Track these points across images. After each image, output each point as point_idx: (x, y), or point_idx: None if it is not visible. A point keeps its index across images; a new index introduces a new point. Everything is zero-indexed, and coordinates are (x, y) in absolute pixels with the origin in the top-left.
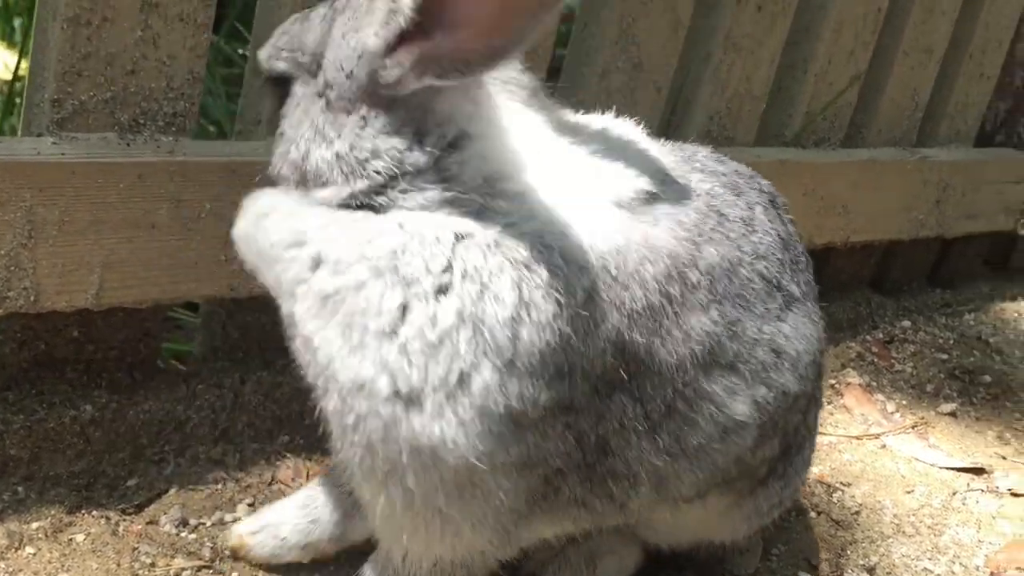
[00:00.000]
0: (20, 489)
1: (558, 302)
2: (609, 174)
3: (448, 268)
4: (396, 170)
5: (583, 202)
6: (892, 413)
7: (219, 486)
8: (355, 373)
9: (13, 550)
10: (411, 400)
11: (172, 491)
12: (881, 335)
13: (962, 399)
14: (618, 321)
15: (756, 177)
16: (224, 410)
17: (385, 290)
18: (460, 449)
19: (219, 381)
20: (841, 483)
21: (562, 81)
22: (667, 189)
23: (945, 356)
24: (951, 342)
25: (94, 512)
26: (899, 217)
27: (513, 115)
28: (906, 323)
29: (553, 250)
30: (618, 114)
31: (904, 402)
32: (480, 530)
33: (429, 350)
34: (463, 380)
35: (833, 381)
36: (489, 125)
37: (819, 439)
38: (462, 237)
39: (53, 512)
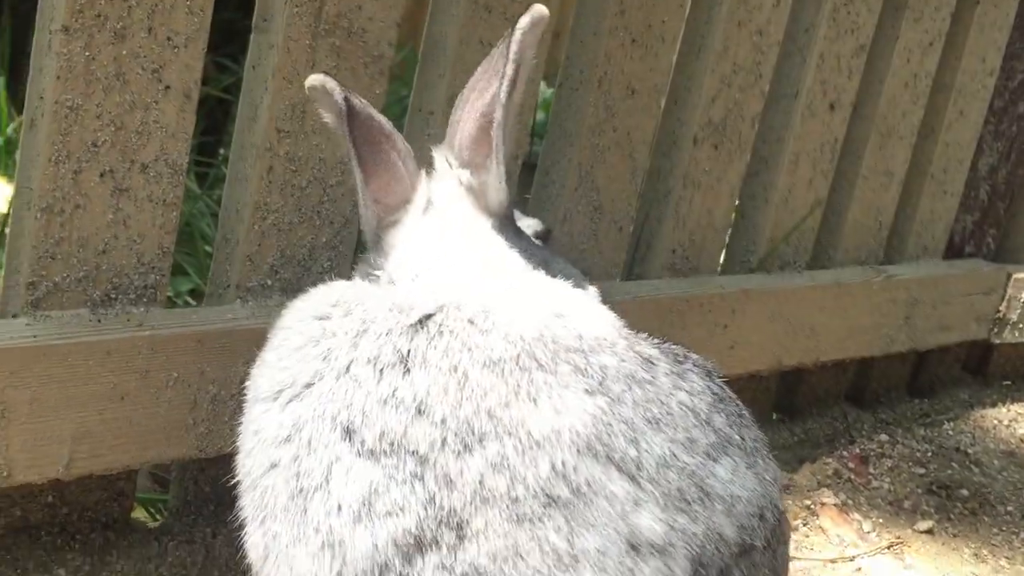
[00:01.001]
0: None
1: None
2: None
3: None
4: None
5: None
6: (868, 532)
7: None
8: None
9: None
10: None
11: None
12: (858, 450)
13: (940, 515)
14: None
15: (691, 355)
16: (195, 566)
17: None
18: None
19: (190, 536)
20: None
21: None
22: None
23: (923, 470)
24: (929, 455)
25: None
26: (868, 335)
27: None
28: (883, 436)
29: None
30: (581, 255)
31: (881, 520)
32: None
33: None
34: None
35: (808, 501)
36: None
37: (792, 565)
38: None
39: None
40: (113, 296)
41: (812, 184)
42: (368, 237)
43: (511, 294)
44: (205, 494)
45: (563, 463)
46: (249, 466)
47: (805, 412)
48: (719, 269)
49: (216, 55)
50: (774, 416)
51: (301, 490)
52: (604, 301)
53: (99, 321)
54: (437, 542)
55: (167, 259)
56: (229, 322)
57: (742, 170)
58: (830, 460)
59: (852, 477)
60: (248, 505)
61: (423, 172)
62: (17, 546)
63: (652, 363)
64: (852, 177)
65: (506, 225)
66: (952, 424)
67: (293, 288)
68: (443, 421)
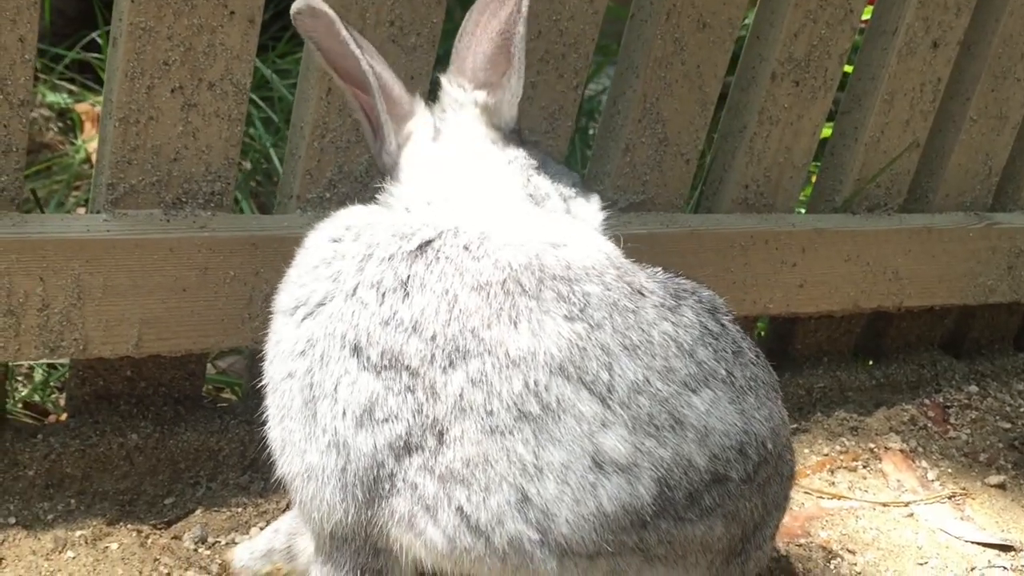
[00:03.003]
0: (72, 501)
1: None
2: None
3: None
4: None
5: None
6: (932, 481)
7: (240, 509)
8: None
9: (57, 553)
10: None
11: (199, 511)
12: (941, 399)
13: (1016, 471)
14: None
15: (700, 291)
16: (253, 443)
17: None
18: None
19: (249, 418)
20: (846, 550)
21: (592, 153)
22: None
23: (1009, 425)
24: (1021, 410)
25: (129, 525)
26: (962, 283)
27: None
28: (973, 388)
29: None
30: (644, 185)
31: (949, 470)
32: None
33: None
34: None
35: (872, 445)
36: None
37: (839, 503)
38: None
39: (95, 523)
40: (184, 200)
41: (909, 125)
42: (385, 162)
43: (509, 222)
44: None
45: (535, 382)
46: (271, 372)
47: (891, 357)
48: (804, 208)
49: None
50: (867, 360)
51: (313, 397)
52: (665, 232)
53: (168, 221)
54: (422, 446)
55: (232, 169)
56: (284, 230)
57: (827, 108)
58: (909, 407)
59: (928, 425)
60: (271, 405)
61: (418, 97)
62: (99, 411)
63: (641, 294)
64: (958, 119)
65: (511, 137)
66: None
67: (350, 201)
68: (433, 338)
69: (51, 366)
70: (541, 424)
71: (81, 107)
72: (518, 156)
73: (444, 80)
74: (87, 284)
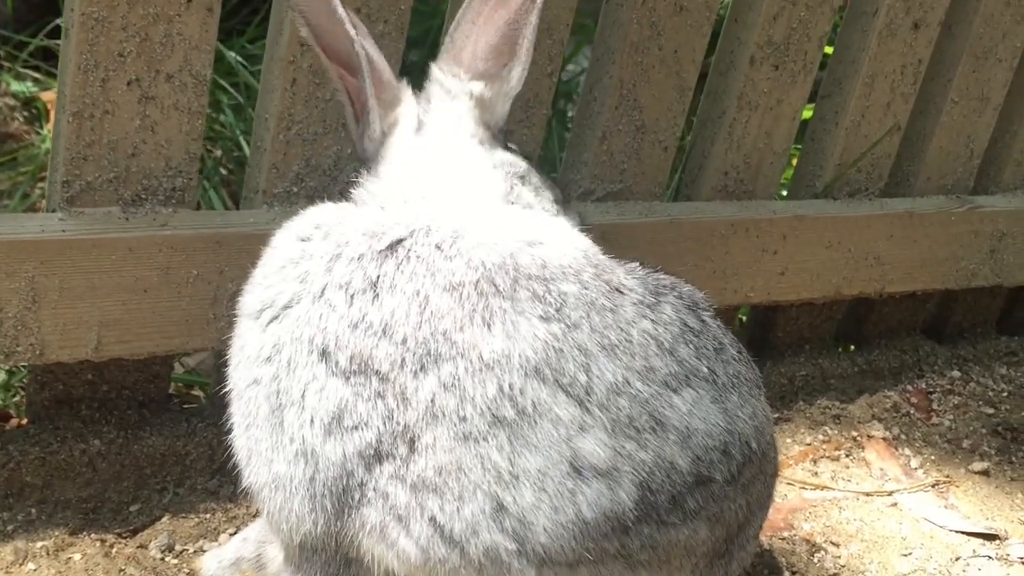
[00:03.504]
0: (32, 511)
1: None
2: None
3: None
4: None
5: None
6: (915, 469)
7: (208, 515)
8: None
9: (17, 565)
10: None
11: (165, 518)
12: (923, 385)
13: (1000, 457)
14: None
15: (680, 286)
16: (221, 446)
17: None
18: None
19: (217, 420)
20: (830, 542)
21: (568, 141)
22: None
23: (992, 410)
24: (1004, 395)
25: (93, 535)
26: (944, 267)
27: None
28: (956, 373)
29: None
30: (622, 174)
31: (933, 458)
32: None
33: None
34: None
35: (855, 433)
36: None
37: (822, 494)
38: None
39: (57, 533)
40: (143, 197)
41: (890, 108)
42: (367, 149)
43: (485, 220)
44: None
45: (510, 385)
46: (235, 379)
47: (872, 343)
48: (785, 194)
49: None
50: (848, 347)
51: (280, 405)
52: (643, 222)
53: (126, 219)
54: (392, 454)
55: (194, 164)
56: (249, 226)
57: (807, 92)
58: (891, 393)
59: (911, 412)
60: (235, 413)
61: (405, 83)
62: (59, 416)
63: (620, 292)
64: (940, 102)
65: (499, 138)
66: None
67: (319, 196)
68: (403, 341)
69: (12, 367)
70: (516, 429)
71: (46, 95)
72: (504, 162)
73: (436, 69)
74: (42, 286)
